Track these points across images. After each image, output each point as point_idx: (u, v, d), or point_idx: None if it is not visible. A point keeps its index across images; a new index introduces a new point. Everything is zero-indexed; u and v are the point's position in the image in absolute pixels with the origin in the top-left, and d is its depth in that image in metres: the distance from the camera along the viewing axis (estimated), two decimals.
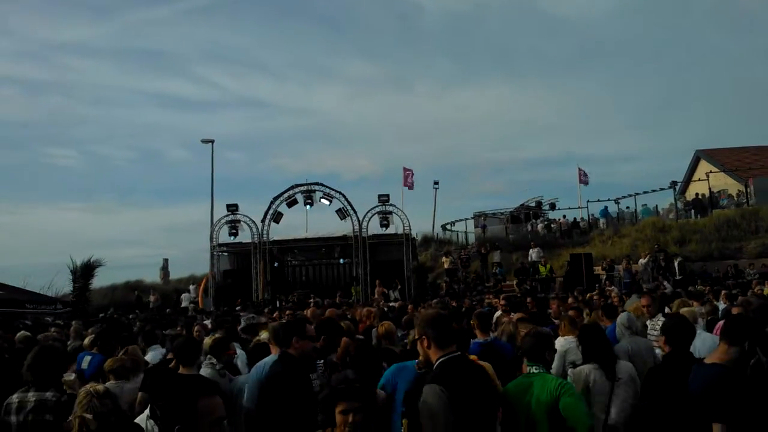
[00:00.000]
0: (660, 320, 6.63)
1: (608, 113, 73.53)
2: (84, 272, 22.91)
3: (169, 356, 6.15)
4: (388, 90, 74.77)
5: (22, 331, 9.57)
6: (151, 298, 26.85)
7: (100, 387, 3.88)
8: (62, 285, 23.10)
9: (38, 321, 12.51)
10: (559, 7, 71.38)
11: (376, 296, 22.26)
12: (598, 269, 24.93)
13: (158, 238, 67.10)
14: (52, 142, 72.24)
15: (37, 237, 58.33)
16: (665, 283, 17.52)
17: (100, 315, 19.16)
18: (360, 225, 26.17)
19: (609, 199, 33.47)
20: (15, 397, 4.31)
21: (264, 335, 6.44)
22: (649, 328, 6.96)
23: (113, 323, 11.80)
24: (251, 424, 4.66)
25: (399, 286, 24.39)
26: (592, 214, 34.12)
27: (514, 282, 25.98)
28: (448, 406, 3.28)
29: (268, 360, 4.92)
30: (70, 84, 70.57)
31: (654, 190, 32.17)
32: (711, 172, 31.32)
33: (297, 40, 76.88)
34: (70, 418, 3.80)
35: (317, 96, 74.99)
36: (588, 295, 14.22)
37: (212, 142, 29.19)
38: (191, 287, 27.65)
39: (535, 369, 4.00)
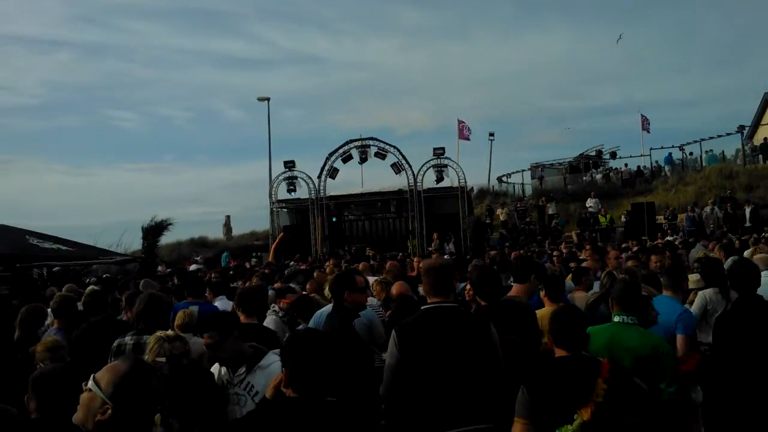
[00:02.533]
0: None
1: (671, 57, 70.27)
2: (154, 231, 23.77)
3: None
4: (444, 39, 73.50)
5: (91, 286, 10.10)
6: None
7: (170, 332, 4.08)
8: (130, 243, 24.04)
9: (109, 278, 13.11)
10: None
11: (432, 248, 22.36)
12: (660, 218, 24.29)
13: (219, 196, 68.91)
14: (113, 104, 74.38)
15: (102, 197, 60.81)
16: (729, 234, 16.88)
17: (168, 270, 19.93)
18: (415, 179, 26.15)
19: (673, 146, 32.28)
20: (129, 339, 4.67)
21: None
22: None
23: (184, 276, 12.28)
24: None
25: (452, 239, 24.36)
26: (656, 162, 33.03)
27: (574, 233, 25.66)
28: (395, 353, 3.43)
29: (324, 311, 5.09)
30: (128, 46, 72.23)
31: (720, 135, 30.73)
32: None
33: None
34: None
35: (371, 49, 74.48)
36: (648, 244, 13.87)
37: (268, 99, 29.47)
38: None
39: (628, 319, 3.85)
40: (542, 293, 5.15)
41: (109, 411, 2.23)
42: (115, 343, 4.73)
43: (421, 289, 6.96)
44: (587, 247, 11.82)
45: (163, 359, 3.78)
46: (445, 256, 16.80)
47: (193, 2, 72.57)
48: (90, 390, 2.30)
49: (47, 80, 72.48)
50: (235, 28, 75.22)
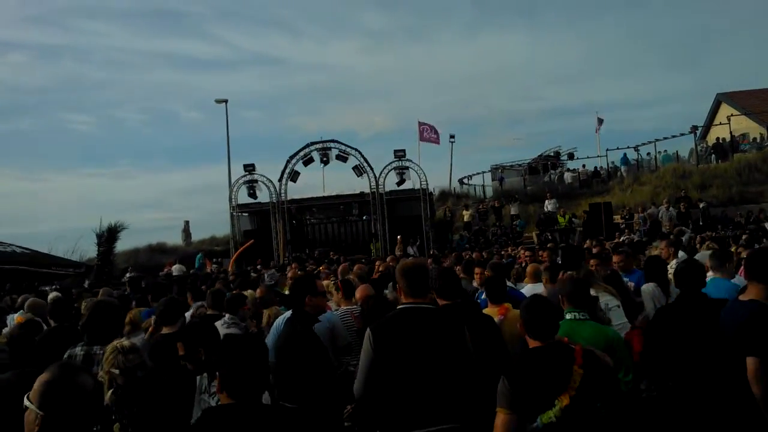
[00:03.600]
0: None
1: (627, 59, 71.96)
2: (108, 236, 23.22)
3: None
4: (405, 41, 73.81)
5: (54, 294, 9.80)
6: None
7: (126, 342, 3.97)
8: (86, 249, 23.46)
9: (67, 289, 12.79)
10: None
11: (397, 252, 22.38)
12: (617, 218, 24.78)
13: (178, 201, 67.67)
14: (69, 107, 72.52)
15: (58, 203, 59.13)
16: (683, 228, 17.34)
17: (124, 278, 19.46)
18: (377, 181, 26.15)
19: (628, 147, 33.02)
20: (79, 350, 4.50)
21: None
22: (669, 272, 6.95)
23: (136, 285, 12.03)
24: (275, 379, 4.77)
25: (417, 242, 24.47)
26: (612, 163, 33.74)
27: (534, 233, 25.97)
28: (369, 352, 3.46)
29: (284, 316, 5.00)
30: (84, 48, 70.49)
31: (674, 136, 31.61)
32: (732, 115, 30.64)
33: None
34: (99, 373, 3.93)
35: (333, 51, 74.31)
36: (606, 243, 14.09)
37: (226, 101, 29.04)
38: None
39: (580, 315, 4.03)
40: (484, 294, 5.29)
41: (38, 421, 2.19)
42: (66, 354, 4.56)
43: (387, 292, 6.97)
44: (543, 252, 11.95)
45: (117, 371, 3.72)
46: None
47: (152, 3, 71.31)
48: (26, 407, 2.26)
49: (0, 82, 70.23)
50: (194, 30, 74.28)
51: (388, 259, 12.22)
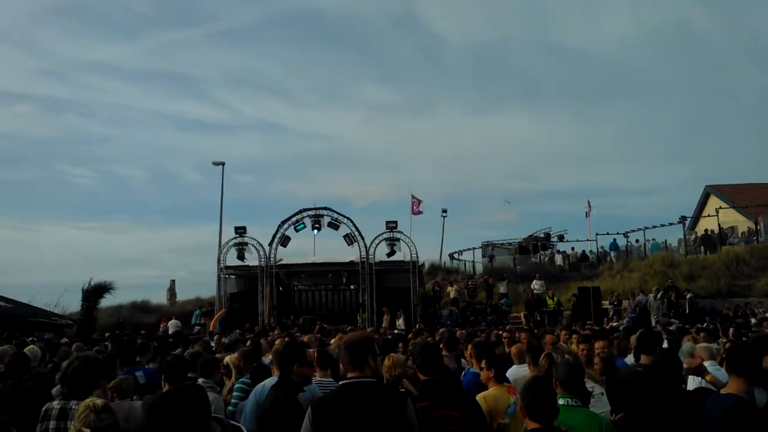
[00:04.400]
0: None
1: (623, 146, 73.66)
2: (94, 293, 23.02)
3: None
4: (406, 116, 75.21)
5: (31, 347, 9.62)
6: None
7: (99, 401, 3.90)
8: (69, 303, 23.17)
9: (49, 341, 12.58)
10: (580, 39, 72.02)
11: (384, 324, 22.18)
12: (606, 303, 24.77)
13: (167, 259, 67.15)
14: (69, 160, 72.98)
15: (49, 254, 58.60)
16: (671, 320, 17.37)
17: (106, 334, 19.13)
18: (367, 251, 26.17)
19: (618, 233, 33.39)
20: (56, 404, 4.45)
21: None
22: None
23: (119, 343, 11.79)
24: None
25: (401, 315, 24.14)
26: (601, 247, 34.04)
27: (522, 314, 25.86)
28: (309, 427, 3.42)
29: (268, 383, 4.92)
30: (91, 103, 71.54)
31: (663, 225, 32.11)
32: (721, 208, 31.25)
33: (317, 66, 77.49)
34: (70, 430, 3.85)
35: (333, 121, 75.60)
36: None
37: (223, 164, 29.47)
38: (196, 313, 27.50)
39: (573, 401, 3.94)
40: (490, 374, 5.16)
41: None
42: (43, 408, 4.49)
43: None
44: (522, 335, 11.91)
45: (88, 430, 3.64)
46: (395, 331, 16.66)
47: (160, 64, 73.02)
48: None
49: (3, 132, 70.96)
50: (200, 93, 75.62)
51: (369, 330, 12.08)
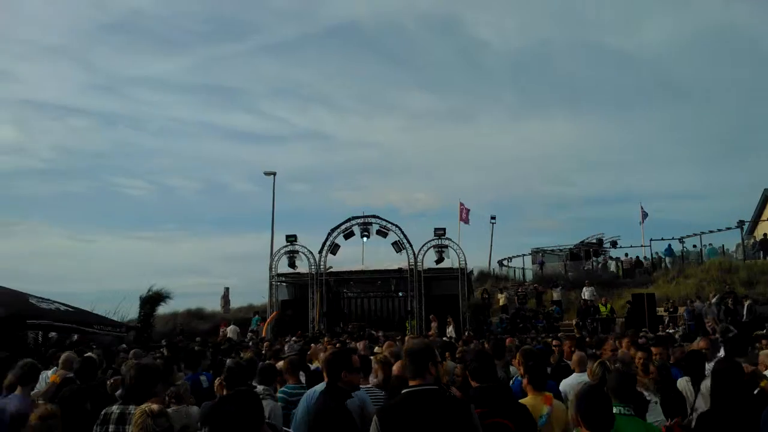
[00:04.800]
0: None
1: (674, 150, 71.59)
2: (152, 301, 23.74)
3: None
4: (449, 123, 75.09)
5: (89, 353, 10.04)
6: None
7: (155, 406, 4.06)
8: (127, 311, 23.92)
9: (107, 349, 13.07)
10: (626, 42, 70.52)
11: (431, 331, 22.14)
12: (660, 310, 24.14)
13: (220, 267, 68.65)
14: (123, 172, 75.48)
15: (106, 264, 60.62)
16: (729, 326, 16.80)
17: (162, 341, 19.72)
18: (415, 258, 26.22)
19: (673, 238, 32.56)
20: (116, 408, 4.66)
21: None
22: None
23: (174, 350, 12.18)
24: None
25: (452, 323, 23.98)
26: (656, 253, 33.19)
27: (573, 321, 25.42)
28: None
29: (317, 388, 5.04)
30: (142, 116, 73.93)
31: (720, 230, 31.09)
32: None
33: (361, 75, 78.38)
34: None
35: (378, 129, 76.01)
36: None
37: (274, 174, 30.04)
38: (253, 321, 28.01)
39: (625, 410, 3.88)
40: (524, 381, 5.17)
41: None
42: (102, 412, 4.71)
43: None
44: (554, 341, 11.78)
45: None
46: (444, 339, 16.63)
47: (208, 78, 74.92)
48: None
49: (59, 145, 73.96)
50: (248, 105, 77.27)
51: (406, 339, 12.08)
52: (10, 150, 68.40)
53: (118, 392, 5.80)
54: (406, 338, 11.90)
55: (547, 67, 73.74)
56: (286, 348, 12.60)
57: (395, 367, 6.12)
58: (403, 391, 3.66)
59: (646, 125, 72.30)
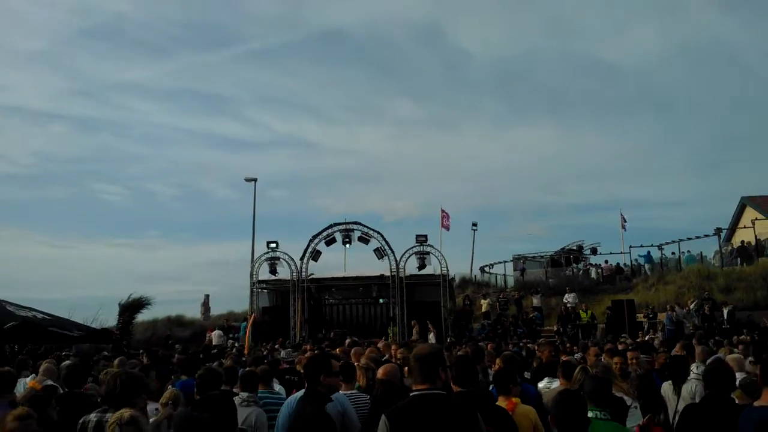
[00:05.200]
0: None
1: (654, 159, 72.53)
2: (131, 308, 23.49)
3: None
4: (433, 132, 75.31)
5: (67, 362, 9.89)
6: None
7: (127, 413, 4.00)
8: (105, 318, 23.62)
9: (85, 354, 12.88)
10: (608, 53, 71.46)
11: (413, 337, 22.13)
12: (640, 316, 24.37)
13: (200, 274, 68.26)
14: (102, 178, 74.70)
15: (83, 271, 59.84)
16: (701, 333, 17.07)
17: (140, 350, 19.51)
18: (397, 265, 26.23)
19: (652, 245, 32.88)
20: (93, 416, 4.60)
21: None
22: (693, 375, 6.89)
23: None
24: None
25: (433, 330, 23.91)
26: (635, 260, 33.53)
27: (554, 327, 25.57)
28: None
29: (298, 394, 5.00)
30: (123, 122, 73.25)
31: (698, 237, 31.47)
32: (757, 219, 30.55)
33: (345, 83, 78.29)
34: None
35: (362, 137, 76.07)
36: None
37: (255, 180, 29.89)
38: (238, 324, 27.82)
39: (601, 414, 3.92)
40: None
41: None
42: (80, 420, 4.63)
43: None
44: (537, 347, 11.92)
45: None
46: None
47: (191, 84, 74.53)
48: None
49: (39, 151, 73.03)
50: (231, 112, 76.92)
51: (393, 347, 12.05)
52: None
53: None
54: (393, 346, 11.86)
55: (531, 76, 74.47)
56: (283, 353, 12.49)
57: (380, 371, 6.08)
58: (412, 394, 3.66)
59: (628, 134, 73.24)
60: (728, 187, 69.89)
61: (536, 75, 74.47)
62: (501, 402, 4.93)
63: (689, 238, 31.60)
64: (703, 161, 71.72)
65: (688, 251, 31.59)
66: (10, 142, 70.40)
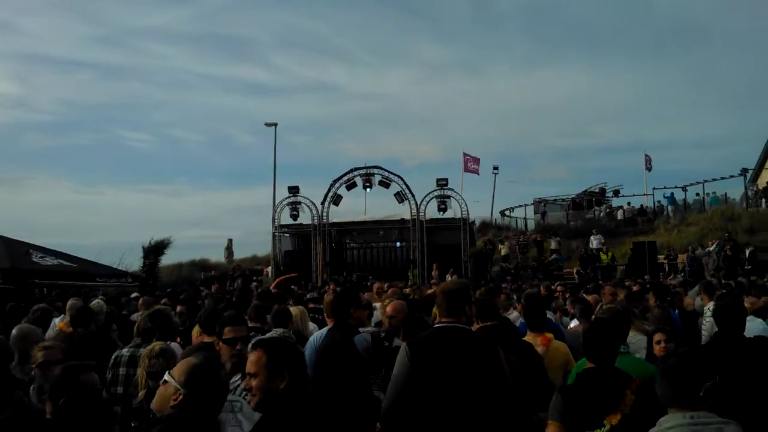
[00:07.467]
0: None
1: (683, 97, 70.78)
2: (155, 250, 23.89)
3: None
4: (460, 74, 74.00)
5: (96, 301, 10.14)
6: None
7: (157, 346, 4.10)
8: (132, 262, 24.12)
9: (115, 298, 13.16)
10: None
11: (433, 279, 22.30)
12: (661, 258, 24.27)
13: (224, 220, 69.05)
14: (128, 125, 75.06)
15: (111, 217, 60.81)
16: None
17: (167, 290, 19.92)
18: (417, 209, 26.24)
19: (676, 187, 32.40)
20: (126, 351, 4.78)
21: None
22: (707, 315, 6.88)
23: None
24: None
25: (453, 273, 24.02)
26: (658, 202, 33.13)
27: (575, 269, 25.58)
28: (406, 365, 3.47)
29: (324, 330, 5.06)
30: (148, 68, 72.97)
31: (723, 178, 30.90)
32: None
33: (370, 25, 76.88)
34: (137, 374, 4.11)
35: (387, 80, 74.99)
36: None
37: (275, 125, 29.72)
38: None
39: (622, 348, 4.01)
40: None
41: (181, 397, 2.59)
42: (113, 355, 4.78)
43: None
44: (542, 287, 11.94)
45: (144, 374, 3.91)
46: None
47: (214, 28, 73.70)
48: (166, 381, 2.68)
49: (65, 99, 73.32)
50: (255, 56, 76.12)
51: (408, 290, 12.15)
52: (12, 104, 67.88)
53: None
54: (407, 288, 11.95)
55: (562, 11, 72.13)
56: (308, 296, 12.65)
57: (389, 308, 6.11)
58: (436, 325, 3.72)
59: (657, 72, 71.33)
60: (755, 126, 68.28)
61: (567, 10, 72.30)
62: (534, 338, 4.96)
63: (714, 179, 31.10)
64: (732, 100, 69.90)
65: (713, 193, 31.12)
66: (35, 91, 70.81)
